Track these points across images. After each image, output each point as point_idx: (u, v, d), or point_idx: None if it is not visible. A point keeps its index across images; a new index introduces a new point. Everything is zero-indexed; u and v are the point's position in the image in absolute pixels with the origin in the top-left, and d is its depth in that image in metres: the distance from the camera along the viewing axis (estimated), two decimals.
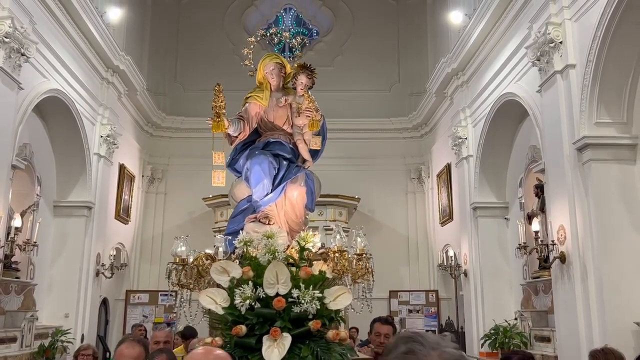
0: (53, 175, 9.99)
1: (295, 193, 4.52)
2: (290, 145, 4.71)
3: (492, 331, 8.79)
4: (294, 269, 3.61)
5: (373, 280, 4.06)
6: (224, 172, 4.78)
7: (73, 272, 9.97)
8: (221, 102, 4.41)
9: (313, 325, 3.30)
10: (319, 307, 3.34)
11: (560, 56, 7.04)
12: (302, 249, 3.86)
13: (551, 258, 7.07)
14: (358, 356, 3.73)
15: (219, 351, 2.09)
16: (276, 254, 3.64)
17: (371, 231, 10.06)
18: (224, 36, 15.02)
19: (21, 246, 7.46)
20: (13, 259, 7.73)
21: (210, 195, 12.68)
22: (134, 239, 13.44)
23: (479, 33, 9.49)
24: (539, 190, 8.65)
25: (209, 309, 3.56)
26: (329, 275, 3.74)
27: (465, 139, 10.83)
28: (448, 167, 12.15)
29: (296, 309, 3.32)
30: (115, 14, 10.65)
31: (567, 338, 6.75)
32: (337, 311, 3.55)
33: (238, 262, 3.84)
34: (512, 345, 8.48)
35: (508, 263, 9.83)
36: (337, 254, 3.92)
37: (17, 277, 8.48)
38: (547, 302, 8.36)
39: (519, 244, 7.85)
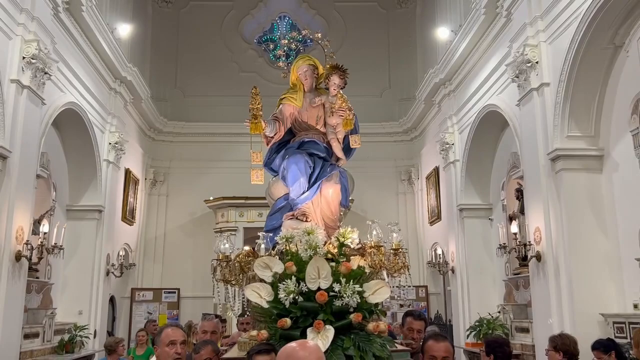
0: (66, 181, 10.62)
1: (331, 190, 4.55)
2: (324, 144, 4.77)
3: (476, 323, 9.56)
4: (333, 264, 3.67)
5: (409, 274, 4.21)
6: (262, 170, 4.85)
7: (85, 272, 10.63)
8: (258, 104, 4.44)
9: (354, 317, 3.39)
10: (359, 301, 3.43)
11: (537, 75, 7.79)
12: (341, 245, 3.91)
13: (528, 257, 7.85)
14: (397, 347, 3.70)
15: (311, 343, 2.30)
16: (317, 249, 3.69)
17: (364, 230, 10.75)
18: (221, 44, 15.66)
19: (49, 250, 8.11)
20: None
21: (211, 197, 13.37)
22: (139, 239, 14.10)
23: (464, 48, 10.24)
24: (520, 193, 9.41)
25: (253, 303, 3.63)
26: (366, 269, 3.80)
27: (452, 144, 11.60)
28: (436, 170, 12.90)
29: (338, 303, 3.41)
30: (125, 30, 11.28)
31: (542, 328, 7.52)
32: (377, 304, 3.61)
33: (278, 257, 3.91)
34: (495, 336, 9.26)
35: (492, 260, 10.60)
36: (373, 249, 4.01)
37: (37, 277, 9.12)
38: (526, 296, 9.13)
39: (500, 244, 8.61)
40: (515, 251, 8.30)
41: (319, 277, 3.46)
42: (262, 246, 4.13)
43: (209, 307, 11.97)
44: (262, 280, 3.66)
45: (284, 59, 5.54)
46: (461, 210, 11.10)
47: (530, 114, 7.95)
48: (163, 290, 13.91)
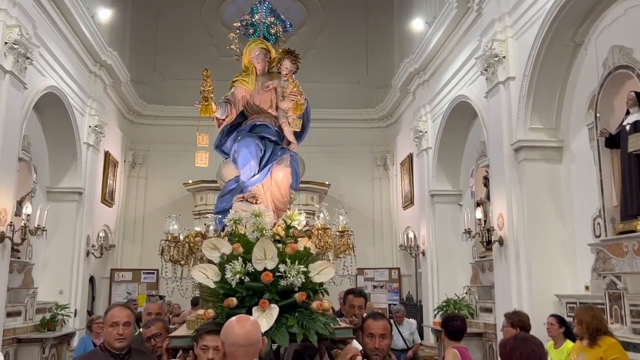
0: (46, 163, 10.76)
1: (281, 174, 4.59)
2: (276, 128, 4.78)
3: (443, 303, 10.06)
4: (280, 245, 3.70)
5: (354, 255, 4.25)
6: (207, 153, 4.84)
7: (66, 253, 10.85)
8: (209, 86, 4.44)
9: (299, 297, 3.48)
10: (304, 281, 3.51)
11: (503, 69, 8.19)
12: (288, 227, 3.95)
13: (492, 241, 8.31)
14: (340, 325, 3.73)
15: (250, 319, 2.48)
16: (264, 231, 3.72)
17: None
18: (201, 28, 15.79)
19: (32, 231, 8.33)
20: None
21: (190, 181, 13.61)
22: (118, 221, 14.30)
23: (437, 40, 10.59)
24: (487, 180, 9.86)
25: (201, 283, 3.66)
26: (313, 251, 3.86)
27: (425, 132, 12.00)
28: (410, 157, 13.31)
29: (283, 283, 3.48)
30: (105, 15, 11.38)
31: (503, 308, 7.97)
32: (321, 284, 3.68)
33: (227, 239, 3.92)
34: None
35: (460, 244, 11.07)
36: (320, 231, 4.07)
37: (18, 258, 9.32)
38: (491, 278, 9.60)
39: (465, 229, 9.06)
40: (479, 236, 8.75)
41: (265, 258, 3.52)
42: (211, 227, 4.16)
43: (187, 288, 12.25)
44: (209, 261, 3.71)
45: (236, 41, 5.22)
46: (432, 196, 11.54)
47: (496, 106, 8.35)
48: (142, 271, 14.16)
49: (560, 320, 5.41)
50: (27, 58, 8.08)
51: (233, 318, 2.51)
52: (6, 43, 7.63)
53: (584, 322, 4.61)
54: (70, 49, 10.27)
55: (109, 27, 12.37)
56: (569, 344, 5.11)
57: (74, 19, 9.75)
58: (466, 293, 10.25)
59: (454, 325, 4.18)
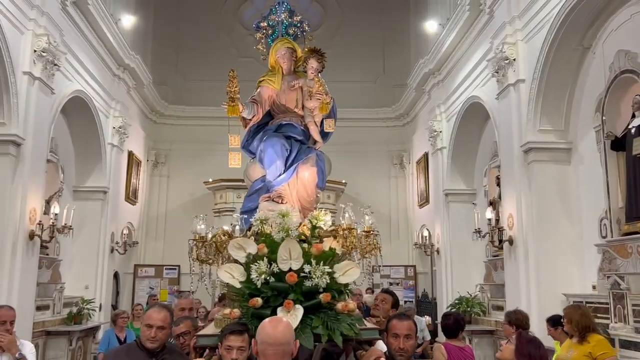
0: (72, 164, 11.21)
1: (307, 173, 4.58)
2: (302, 127, 4.77)
3: (456, 301, 10.25)
4: (305, 245, 3.71)
5: (381, 255, 4.26)
6: (240, 154, 4.85)
7: (91, 249, 11.30)
8: (235, 87, 4.44)
9: (323, 297, 3.50)
10: (328, 281, 3.52)
11: (513, 71, 8.34)
12: (314, 227, 3.96)
13: (502, 241, 8.48)
14: (366, 326, 3.75)
15: (283, 320, 2.54)
16: (289, 232, 3.72)
17: (357, 212, 11.39)
18: (221, 29, 16.12)
19: (60, 229, 8.76)
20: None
21: (210, 179, 13.98)
22: (141, 218, 14.76)
23: (451, 41, 10.75)
24: (499, 180, 10.00)
25: (227, 283, 3.70)
26: (338, 251, 3.87)
27: (440, 132, 12.16)
28: (426, 156, 13.48)
29: (308, 283, 3.49)
30: (129, 21, 11.79)
31: (513, 306, 8.16)
32: (346, 285, 3.68)
33: (253, 239, 3.93)
34: (473, 313, 9.97)
35: (474, 243, 11.21)
36: (346, 231, 4.09)
37: (46, 254, 9.77)
38: (503, 277, 9.77)
39: (475, 229, 9.25)
40: (490, 236, 8.92)
41: (290, 258, 3.55)
42: (237, 227, 4.23)
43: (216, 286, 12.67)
44: (236, 261, 3.75)
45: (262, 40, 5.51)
46: (446, 195, 11.71)
47: (507, 108, 8.51)
48: (164, 267, 14.60)
49: (553, 323, 5.62)
50: (55, 65, 8.47)
51: (267, 319, 2.56)
52: (35, 51, 8.03)
53: (573, 321, 4.85)
54: (95, 53, 10.68)
55: (132, 31, 12.77)
56: None
57: (98, 25, 10.16)
58: (479, 291, 10.43)
59: (445, 323, 4.41)
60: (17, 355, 4.16)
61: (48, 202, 9.50)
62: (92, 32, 10.22)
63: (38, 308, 9.03)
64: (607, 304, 6.46)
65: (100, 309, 11.23)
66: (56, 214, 8.57)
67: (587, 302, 6.91)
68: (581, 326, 4.79)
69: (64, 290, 10.21)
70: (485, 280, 10.66)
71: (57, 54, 8.44)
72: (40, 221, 8.20)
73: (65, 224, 9.01)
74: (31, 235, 8.00)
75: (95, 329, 10.63)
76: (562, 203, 7.76)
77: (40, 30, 8.13)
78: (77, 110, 10.47)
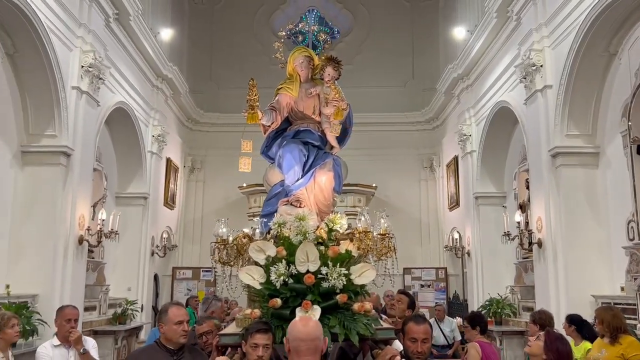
0: (115, 171, 11.78)
1: (324, 178, 4.69)
2: (319, 133, 4.89)
3: (486, 302, 10.41)
4: (322, 247, 3.84)
5: (396, 258, 4.31)
6: (250, 159, 5.02)
7: (133, 253, 11.84)
8: (255, 95, 4.57)
9: (340, 298, 3.61)
10: (345, 283, 3.64)
11: (541, 77, 8.49)
12: (331, 230, 4.09)
13: (531, 243, 8.64)
14: (382, 326, 3.83)
15: (313, 320, 2.72)
16: (307, 235, 3.86)
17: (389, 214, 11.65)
18: (253, 38, 16.56)
19: (107, 234, 9.28)
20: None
21: (244, 184, 14.39)
22: (178, 222, 15.30)
23: (479, 47, 10.93)
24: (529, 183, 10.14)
25: (248, 284, 3.83)
26: (354, 253, 3.97)
27: (470, 135, 12.33)
28: (456, 159, 13.64)
29: (325, 284, 3.61)
30: (167, 34, 12.32)
31: (542, 307, 8.32)
32: (362, 285, 3.79)
33: (273, 241, 4.05)
34: (504, 315, 10.12)
35: (504, 245, 11.33)
36: (362, 234, 4.18)
37: (92, 258, 10.30)
38: (533, 279, 9.91)
39: (504, 232, 9.42)
40: (519, 238, 9.08)
41: (307, 260, 3.68)
42: (257, 230, 4.42)
43: (236, 287, 13.10)
44: (256, 263, 3.92)
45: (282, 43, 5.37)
46: (476, 198, 11.87)
47: (534, 113, 8.67)
48: (201, 269, 15.08)
49: (570, 320, 5.77)
50: (100, 78, 8.99)
51: (297, 318, 2.79)
52: (82, 67, 8.55)
53: (605, 321, 5.00)
54: (136, 66, 11.22)
55: (169, 43, 13.31)
56: (586, 344, 5.46)
57: (139, 39, 10.70)
58: (509, 293, 10.57)
59: (482, 321, 4.66)
60: (81, 350, 4.58)
61: (93, 208, 10.04)
62: (132, 46, 10.76)
63: (86, 309, 9.53)
64: (634, 305, 6.59)
65: (142, 310, 11.75)
66: (103, 220, 9.08)
67: (615, 304, 7.03)
68: (612, 327, 4.94)
69: (109, 292, 10.75)
70: (516, 282, 10.79)
71: (102, 69, 8.96)
72: (88, 227, 8.71)
73: (112, 229, 9.52)
74: (80, 240, 8.51)
75: (138, 328, 11.13)
76: (590, 206, 7.89)
77: (87, 46, 8.65)
78: (119, 121, 11.01)
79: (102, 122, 9.74)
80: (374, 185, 14.29)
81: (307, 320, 2.73)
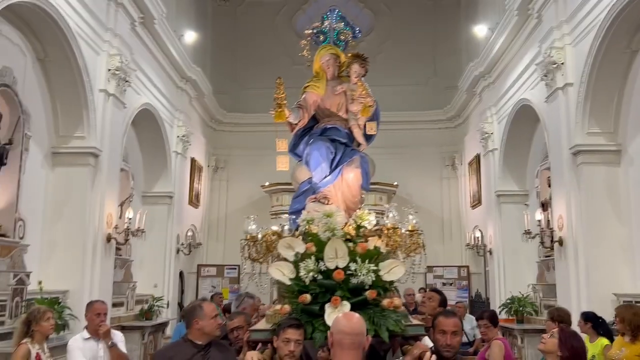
0: (141, 171, 12.06)
1: (351, 175, 4.71)
2: (346, 130, 4.90)
3: (508, 300, 10.41)
4: (351, 244, 3.85)
5: (425, 254, 4.37)
6: (287, 157, 4.99)
7: (159, 250, 12.12)
8: (282, 93, 4.58)
9: (369, 294, 3.64)
10: (374, 279, 3.67)
11: (562, 75, 8.47)
12: (359, 227, 4.10)
13: (552, 242, 8.63)
14: (412, 322, 3.82)
15: (356, 315, 2.70)
16: (335, 231, 3.88)
17: (403, 213, 11.70)
18: (275, 38, 16.73)
19: (134, 233, 9.55)
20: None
21: (267, 183, 14.58)
22: (203, 220, 15.57)
23: (500, 45, 10.91)
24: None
25: (278, 280, 3.91)
26: (383, 250, 3.99)
27: (491, 133, 12.31)
28: (477, 157, 13.62)
29: (354, 280, 3.65)
30: (191, 36, 12.57)
31: (563, 306, 8.31)
32: (392, 282, 3.83)
33: (301, 238, 4.10)
34: (525, 313, 10.12)
35: (526, 243, 11.30)
36: (390, 231, 4.23)
37: (119, 255, 10.59)
38: (555, 277, 9.89)
39: (525, 230, 9.41)
40: (540, 237, 9.07)
41: (336, 257, 3.73)
42: (286, 227, 4.51)
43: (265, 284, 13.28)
44: (285, 259, 3.96)
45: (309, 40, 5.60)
46: (498, 196, 11.85)
47: (556, 111, 8.65)
48: (225, 267, 15.34)
49: (585, 317, 5.77)
50: (126, 81, 9.24)
51: (341, 313, 2.83)
52: (109, 70, 8.81)
53: (625, 320, 5.01)
54: (161, 68, 11.49)
55: (193, 45, 13.55)
56: (602, 340, 5.47)
57: (163, 42, 10.95)
58: (531, 291, 10.54)
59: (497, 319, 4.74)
60: (109, 343, 4.79)
61: (120, 207, 10.33)
62: (157, 48, 11.01)
63: (113, 305, 9.79)
64: None
65: (167, 306, 12.02)
66: (130, 218, 9.34)
67: (637, 302, 6.99)
68: (633, 325, 4.94)
69: (136, 289, 11.03)
70: (538, 280, 10.76)
71: (128, 71, 9.21)
72: (116, 225, 8.97)
73: (138, 227, 9.79)
74: (108, 238, 8.78)
75: (164, 324, 11.40)
76: (611, 204, 7.85)
77: (114, 50, 8.90)
78: (145, 122, 11.27)
79: (129, 124, 10.01)
80: (395, 183, 14.34)
81: (351, 315, 2.73)
